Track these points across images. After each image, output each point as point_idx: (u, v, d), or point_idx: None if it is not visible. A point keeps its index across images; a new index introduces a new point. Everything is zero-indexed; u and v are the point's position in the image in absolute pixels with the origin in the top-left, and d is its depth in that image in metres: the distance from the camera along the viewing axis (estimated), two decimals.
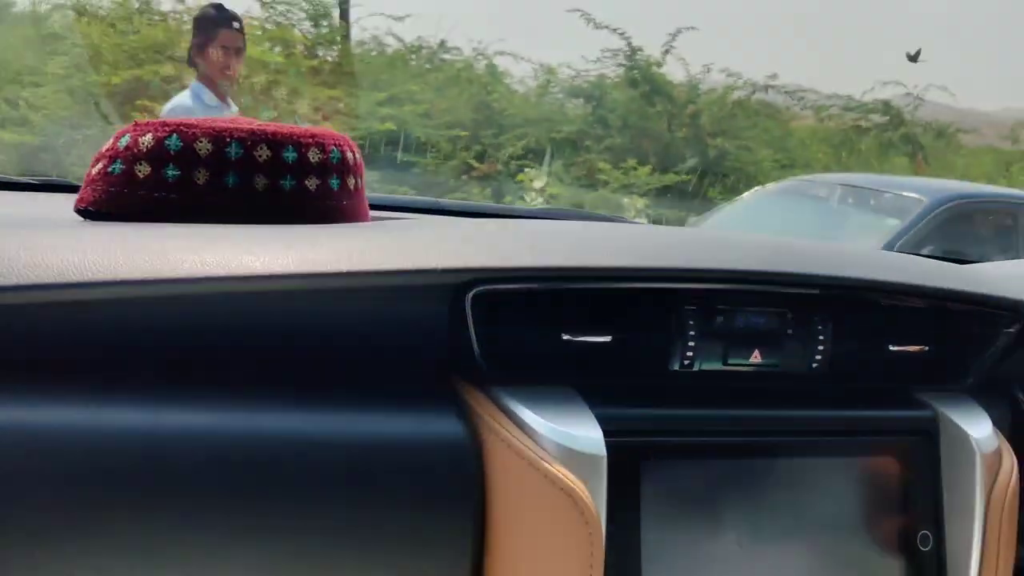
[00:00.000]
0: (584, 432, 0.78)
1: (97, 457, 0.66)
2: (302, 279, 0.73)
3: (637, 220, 7.02)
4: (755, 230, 4.73)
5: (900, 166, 10.77)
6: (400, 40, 10.84)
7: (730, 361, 0.89)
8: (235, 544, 0.70)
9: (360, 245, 0.79)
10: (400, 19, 10.86)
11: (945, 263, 1.17)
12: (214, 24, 3.40)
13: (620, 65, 10.73)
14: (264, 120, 1.00)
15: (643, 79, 10.47)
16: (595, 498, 0.77)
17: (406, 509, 0.74)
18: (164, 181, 0.91)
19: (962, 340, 1.01)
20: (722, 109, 10.62)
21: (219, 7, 3.62)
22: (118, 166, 0.92)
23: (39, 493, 0.65)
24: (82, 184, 0.96)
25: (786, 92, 11.12)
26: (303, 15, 9.54)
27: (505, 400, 0.80)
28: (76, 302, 0.69)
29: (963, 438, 0.94)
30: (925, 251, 4.13)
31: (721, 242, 1.01)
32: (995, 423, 0.98)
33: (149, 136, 0.91)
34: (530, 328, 0.83)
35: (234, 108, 3.56)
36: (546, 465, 0.76)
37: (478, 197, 8.07)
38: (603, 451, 0.78)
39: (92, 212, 0.94)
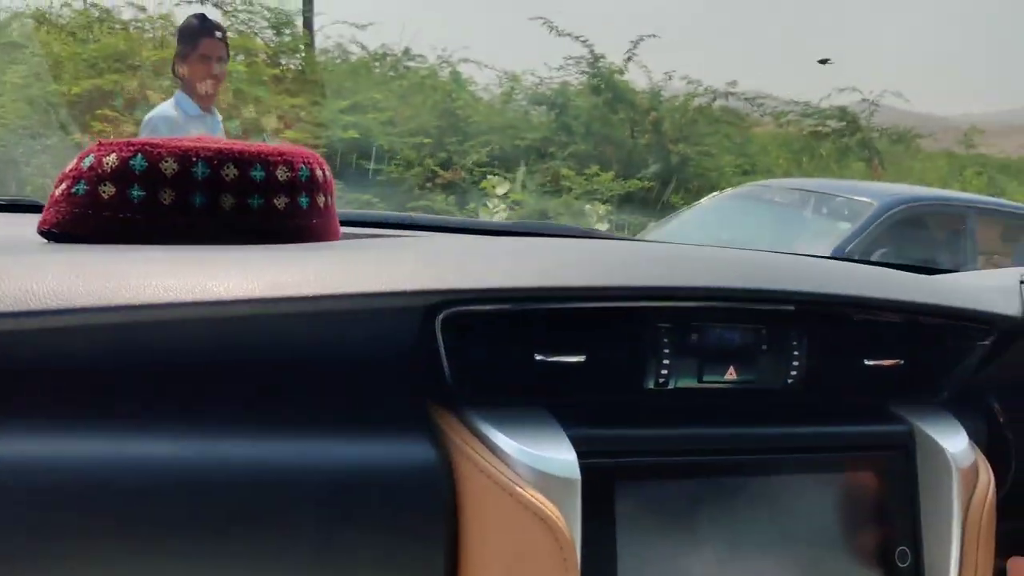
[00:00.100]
0: (557, 454, 0.77)
1: (57, 489, 0.65)
2: (266, 303, 0.72)
3: (599, 226, 7.10)
4: (713, 234, 4.82)
5: (858, 171, 10.96)
6: (364, 48, 10.89)
7: (705, 378, 0.88)
8: (203, 575, 0.68)
9: (327, 267, 0.78)
10: (363, 27, 10.90)
11: (917, 274, 1.17)
12: (197, 34, 3.44)
13: (583, 72, 10.85)
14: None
15: (606, 86, 10.58)
16: (569, 522, 0.76)
17: (378, 535, 0.73)
18: (129, 202, 0.89)
19: (937, 353, 1.01)
20: (683, 116, 10.75)
21: (202, 17, 3.68)
22: (82, 187, 0.90)
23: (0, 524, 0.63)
24: (46, 204, 0.94)
25: (746, 99, 11.29)
26: (265, 24, 9.54)
27: (477, 423, 0.79)
28: (34, 330, 0.67)
29: (939, 452, 0.94)
30: (877, 254, 4.24)
31: (694, 258, 1.00)
32: (971, 434, 0.98)
33: (113, 156, 0.90)
34: (502, 348, 0.82)
35: (218, 117, 3.58)
36: (519, 490, 0.75)
37: (442, 204, 8.10)
38: (577, 474, 0.77)
39: (55, 234, 0.92)
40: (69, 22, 9.05)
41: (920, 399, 1.00)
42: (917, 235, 4.50)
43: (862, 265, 1.19)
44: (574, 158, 9.66)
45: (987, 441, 1.05)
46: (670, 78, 10.99)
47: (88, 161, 0.91)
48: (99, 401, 0.68)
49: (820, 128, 11.79)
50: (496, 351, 0.81)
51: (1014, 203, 5.82)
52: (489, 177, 7.61)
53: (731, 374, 0.89)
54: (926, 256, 4.49)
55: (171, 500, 0.67)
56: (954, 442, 0.95)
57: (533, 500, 0.74)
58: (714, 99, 10.96)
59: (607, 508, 0.80)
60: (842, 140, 11.55)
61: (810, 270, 1.02)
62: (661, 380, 0.86)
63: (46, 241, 0.93)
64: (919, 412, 0.97)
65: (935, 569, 0.94)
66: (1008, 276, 1.10)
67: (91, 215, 0.90)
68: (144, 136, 3.33)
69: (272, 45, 9.62)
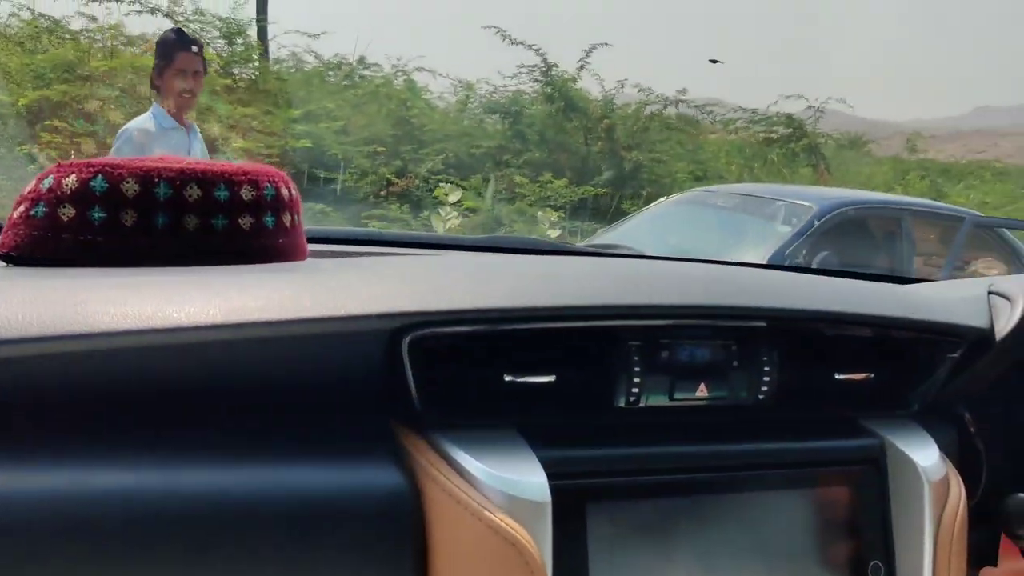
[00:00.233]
0: (527, 477, 0.76)
1: (13, 522, 0.63)
2: (227, 329, 0.70)
3: (551, 232, 7.19)
4: (661, 239, 4.93)
5: (806, 176, 11.20)
6: (319, 57, 10.90)
7: (676, 396, 0.87)
8: None
9: (290, 290, 0.76)
10: (316, 36, 10.93)
11: (886, 284, 1.18)
12: (173, 48, 3.48)
13: (536, 81, 10.96)
14: None
15: (559, 95, 10.70)
16: (540, 545, 0.75)
17: (346, 562, 0.72)
18: (90, 224, 0.87)
19: (907, 366, 1.00)
20: (636, 123, 10.91)
21: (179, 31, 3.77)
22: (41, 209, 0.88)
23: None
24: (3, 227, 0.93)
25: (696, 106, 11.50)
26: (217, 34, 9.52)
27: (446, 446, 0.77)
28: None
29: (910, 466, 0.94)
30: (818, 257, 4.38)
31: (665, 275, 0.99)
32: (942, 445, 0.98)
33: (73, 177, 0.88)
34: (471, 370, 0.81)
35: (196, 129, 3.62)
36: (488, 514, 0.73)
37: (397, 213, 8.14)
38: (547, 496, 0.76)
39: (14, 257, 0.90)
40: (17, 32, 8.96)
41: (891, 412, 0.99)
42: (855, 237, 4.64)
43: (832, 278, 1.20)
44: (529, 165, 9.77)
45: (958, 451, 1.05)
46: (622, 86, 11.16)
47: (47, 183, 0.89)
48: (57, 431, 0.67)
49: (768, 135, 12.05)
50: (464, 373, 0.81)
51: (948, 205, 6.03)
52: (441, 185, 7.66)
53: (702, 391, 0.88)
54: (864, 257, 4.64)
55: (134, 531, 0.66)
56: (925, 455, 0.95)
57: (502, 524, 0.73)
58: (665, 106, 11.14)
59: (579, 530, 0.79)
60: (789, 146, 11.79)
61: (781, 285, 1.02)
62: (632, 398, 0.85)
63: (4, 264, 0.91)
64: (890, 425, 0.97)
65: None
66: (976, 287, 1.10)
67: (51, 238, 0.88)
68: (117, 148, 3.40)
69: (224, 55, 9.60)
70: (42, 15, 9.05)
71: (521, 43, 10.83)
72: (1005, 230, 5.35)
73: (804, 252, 4.47)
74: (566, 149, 10.51)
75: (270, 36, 10.88)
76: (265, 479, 0.71)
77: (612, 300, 0.85)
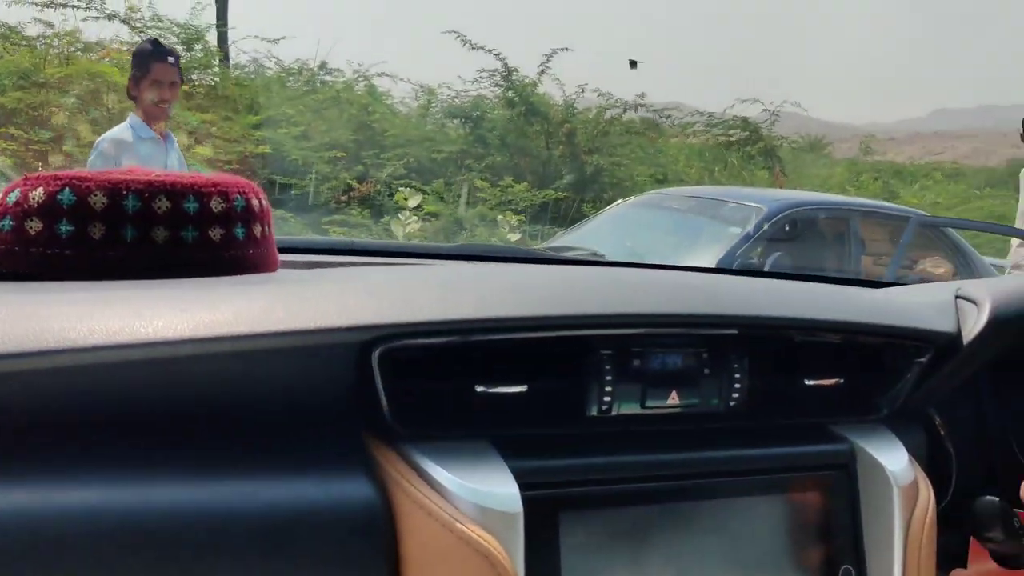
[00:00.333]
0: (499, 488, 0.76)
1: None
2: (196, 344, 0.70)
3: (511, 236, 7.25)
4: (618, 241, 5.02)
5: (763, 179, 11.38)
6: (279, 62, 10.89)
7: (648, 403, 0.88)
8: None
9: (260, 303, 0.75)
10: (275, 41, 10.91)
11: (855, 290, 1.18)
12: (149, 59, 3.53)
13: (497, 85, 11.04)
14: None
15: (520, 99, 10.78)
16: (512, 556, 0.75)
17: (319, 575, 0.72)
18: (57, 237, 0.87)
19: (876, 371, 1.01)
20: (596, 127, 11.02)
21: (155, 42, 3.82)
22: (7, 223, 0.88)
23: None
24: None
25: (654, 110, 11.64)
26: (176, 40, 9.48)
27: (417, 458, 0.78)
28: None
29: (880, 470, 0.94)
30: (772, 257, 4.48)
31: (636, 283, 1.00)
32: (912, 448, 0.99)
33: (40, 191, 0.87)
34: (442, 381, 0.81)
35: (173, 139, 3.66)
36: (460, 526, 0.74)
37: (358, 218, 8.17)
38: (519, 507, 0.76)
39: None
40: None
41: (860, 417, 1.00)
42: (804, 237, 4.74)
43: (802, 283, 1.18)
44: (490, 170, 9.83)
45: (928, 454, 1.05)
46: (583, 91, 11.27)
47: (13, 196, 0.89)
48: (24, 449, 0.66)
49: (724, 138, 12.23)
50: (435, 384, 0.81)
51: (895, 206, 6.17)
52: (401, 189, 7.69)
53: (674, 398, 0.89)
54: (813, 256, 4.75)
55: (104, 548, 0.65)
56: (894, 460, 0.95)
57: (474, 535, 0.73)
58: (625, 111, 11.26)
59: (551, 540, 0.80)
60: (745, 149, 11.98)
61: (751, 292, 1.03)
62: (604, 407, 0.86)
63: None
64: (859, 430, 0.98)
65: None
66: (943, 291, 1.11)
67: (18, 251, 0.87)
68: (95, 158, 3.43)
69: (183, 61, 9.56)
70: None
71: (482, 48, 10.92)
72: (951, 229, 5.50)
73: (755, 252, 4.58)
74: (527, 153, 10.60)
75: (230, 41, 10.88)
76: (236, 494, 0.70)
77: (584, 309, 0.85)
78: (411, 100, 11.71)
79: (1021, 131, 5.09)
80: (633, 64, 11.02)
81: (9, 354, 0.65)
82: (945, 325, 1.03)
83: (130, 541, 0.66)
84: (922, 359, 1.01)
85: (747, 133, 12.04)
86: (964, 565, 1.05)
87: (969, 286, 1.09)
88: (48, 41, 8.97)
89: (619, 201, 6.21)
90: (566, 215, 9.02)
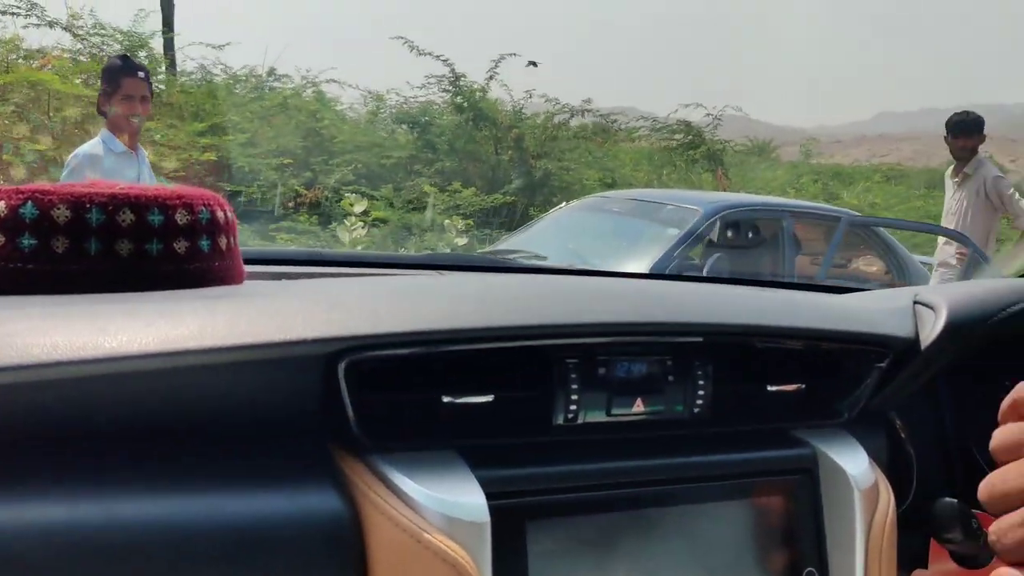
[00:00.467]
0: (465, 498, 0.77)
1: None
2: (162, 358, 0.70)
3: (458, 241, 7.32)
4: (562, 243, 5.12)
5: (709, 182, 11.59)
6: (227, 69, 10.84)
7: (614, 411, 0.89)
8: None
9: (226, 316, 0.75)
10: (221, 47, 10.86)
11: (816, 296, 1.20)
12: (120, 74, 3.58)
13: (445, 91, 11.10)
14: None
15: (468, 105, 10.85)
16: (480, 565, 0.75)
17: None
18: (19, 251, 0.86)
19: (836, 377, 1.03)
20: (544, 132, 11.12)
21: (124, 58, 3.88)
22: None
23: None
24: None
25: (601, 115, 11.79)
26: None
27: (384, 469, 0.78)
28: None
29: (841, 474, 0.96)
30: (711, 259, 4.61)
31: (600, 292, 1.01)
32: (873, 452, 1.01)
33: (1, 204, 0.87)
34: (408, 392, 0.81)
35: (144, 153, 3.70)
36: (427, 536, 0.74)
37: (306, 224, 8.16)
38: (486, 516, 0.77)
39: None
40: None
41: (822, 422, 1.02)
42: (739, 237, 4.86)
43: (764, 290, 1.18)
44: (440, 175, 9.88)
45: (889, 457, 1.07)
46: (530, 96, 11.37)
47: None
48: None
49: (668, 142, 12.43)
50: (402, 395, 0.81)
51: (828, 207, 6.35)
52: (347, 195, 7.71)
53: (639, 406, 0.90)
54: (749, 255, 4.88)
55: (67, 566, 0.65)
56: (855, 463, 0.97)
57: (441, 545, 0.74)
58: (571, 116, 11.38)
59: (519, 548, 0.80)
60: (689, 153, 12.19)
61: (715, 300, 1.05)
62: (570, 415, 0.87)
63: None
64: (821, 435, 1.00)
65: None
66: (901, 297, 1.13)
67: None
68: (68, 173, 3.46)
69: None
70: None
71: (429, 54, 10.97)
72: (884, 229, 5.69)
73: (692, 252, 4.70)
74: (476, 158, 10.67)
75: (177, 47, 10.80)
76: (202, 507, 0.70)
77: (550, 319, 0.86)
78: (360, 106, 11.76)
79: (946, 134, 5.29)
80: (532, 64, 11.15)
81: None
82: (904, 330, 1.05)
83: (95, 557, 0.65)
84: (882, 364, 1.02)
85: (690, 137, 12.24)
86: (925, 565, 1.08)
87: (927, 292, 1.12)
88: None
89: (562, 205, 6.31)
90: (515, 219, 9.10)
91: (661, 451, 0.91)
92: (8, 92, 7.86)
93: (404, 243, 7.88)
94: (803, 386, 1.00)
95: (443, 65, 10.97)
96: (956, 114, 5.24)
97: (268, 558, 0.71)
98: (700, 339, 0.93)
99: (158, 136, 8.05)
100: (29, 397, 0.67)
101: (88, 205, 0.88)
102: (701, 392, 0.93)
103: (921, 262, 5.61)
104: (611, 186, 10.43)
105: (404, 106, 11.39)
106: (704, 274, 4.35)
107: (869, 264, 5.72)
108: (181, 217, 0.91)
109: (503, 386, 0.84)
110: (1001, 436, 0.53)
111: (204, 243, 0.93)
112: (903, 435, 1.08)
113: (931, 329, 1.05)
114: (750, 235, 4.92)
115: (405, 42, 11.04)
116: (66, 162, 3.60)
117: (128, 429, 0.71)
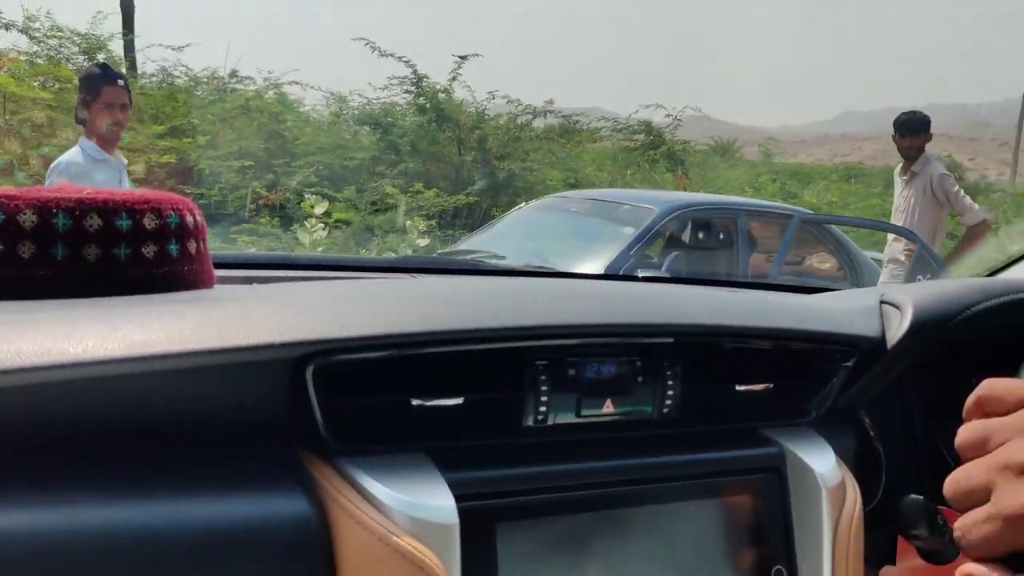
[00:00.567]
0: (433, 500, 0.77)
1: None
2: (129, 363, 0.70)
3: (420, 241, 7.35)
4: (521, 243, 5.17)
5: (671, 182, 11.71)
6: (189, 71, 10.78)
7: (583, 412, 0.89)
8: None
9: (194, 321, 0.75)
10: (180, 48, 10.81)
11: (783, 296, 1.21)
12: (99, 82, 3.58)
13: (408, 92, 11.12)
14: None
15: (431, 106, 10.88)
16: (448, 567, 0.75)
17: None
18: None
19: (804, 376, 1.04)
20: (507, 133, 11.17)
21: (103, 66, 3.93)
22: None
23: None
24: None
25: (563, 116, 11.87)
26: (76, 49, 9.33)
27: (353, 472, 0.78)
28: None
29: (809, 473, 0.97)
30: (669, 258, 4.70)
31: (569, 294, 1.01)
32: (841, 450, 1.02)
33: None
34: (377, 395, 0.81)
35: (123, 160, 3.70)
36: (396, 539, 0.74)
37: (267, 226, 8.15)
38: (455, 518, 0.77)
39: None
40: None
41: (790, 420, 1.03)
42: (694, 235, 4.96)
43: (732, 291, 1.19)
44: (403, 176, 9.89)
45: (857, 454, 1.08)
46: (493, 97, 11.42)
47: None
48: None
49: (629, 143, 12.55)
50: (371, 398, 0.81)
51: (782, 205, 6.47)
52: (308, 197, 7.72)
53: (608, 407, 0.90)
54: (704, 253, 4.97)
55: (32, 572, 0.65)
56: (822, 462, 0.98)
57: (410, 548, 0.74)
58: (534, 117, 11.45)
59: (489, 550, 0.80)
60: (650, 153, 12.31)
61: (684, 301, 1.06)
62: (540, 417, 0.87)
63: None
64: (789, 434, 1.01)
65: None
66: (868, 297, 1.14)
67: None
68: (50, 183, 3.44)
69: (83, 71, 9.42)
70: None
71: (391, 55, 10.99)
72: (836, 226, 5.81)
73: (649, 251, 4.79)
74: (439, 159, 10.69)
75: (137, 49, 10.72)
76: (169, 512, 0.70)
77: (519, 321, 0.86)
78: (322, 108, 11.73)
79: (894, 133, 5.41)
80: (463, 58, 11.22)
81: None
82: (870, 330, 1.06)
83: (61, 564, 0.65)
84: (848, 363, 1.04)
85: (651, 138, 12.37)
86: (893, 562, 1.10)
87: (893, 291, 1.13)
88: None
89: (521, 204, 6.37)
90: (478, 220, 9.14)
91: (631, 451, 0.92)
92: None
93: (366, 245, 7.90)
94: (771, 385, 1.01)
95: (405, 66, 11.00)
96: (904, 113, 5.35)
97: (236, 562, 0.71)
98: (671, 340, 0.94)
99: None
100: None
101: (55, 210, 0.87)
102: (670, 392, 0.93)
103: (872, 258, 5.73)
104: (574, 186, 10.50)
105: (367, 107, 11.40)
106: (662, 272, 4.45)
107: (822, 261, 5.83)
108: (149, 221, 0.91)
109: (473, 388, 0.85)
110: (965, 433, 0.55)
111: (173, 247, 0.93)
112: (872, 433, 1.10)
113: (897, 328, 1.06)
114: (706, 233, 5.01)
115: (367, 43, 11.05)
116: (47, 173, 3.61)
117: (95, 434, 0.71)
